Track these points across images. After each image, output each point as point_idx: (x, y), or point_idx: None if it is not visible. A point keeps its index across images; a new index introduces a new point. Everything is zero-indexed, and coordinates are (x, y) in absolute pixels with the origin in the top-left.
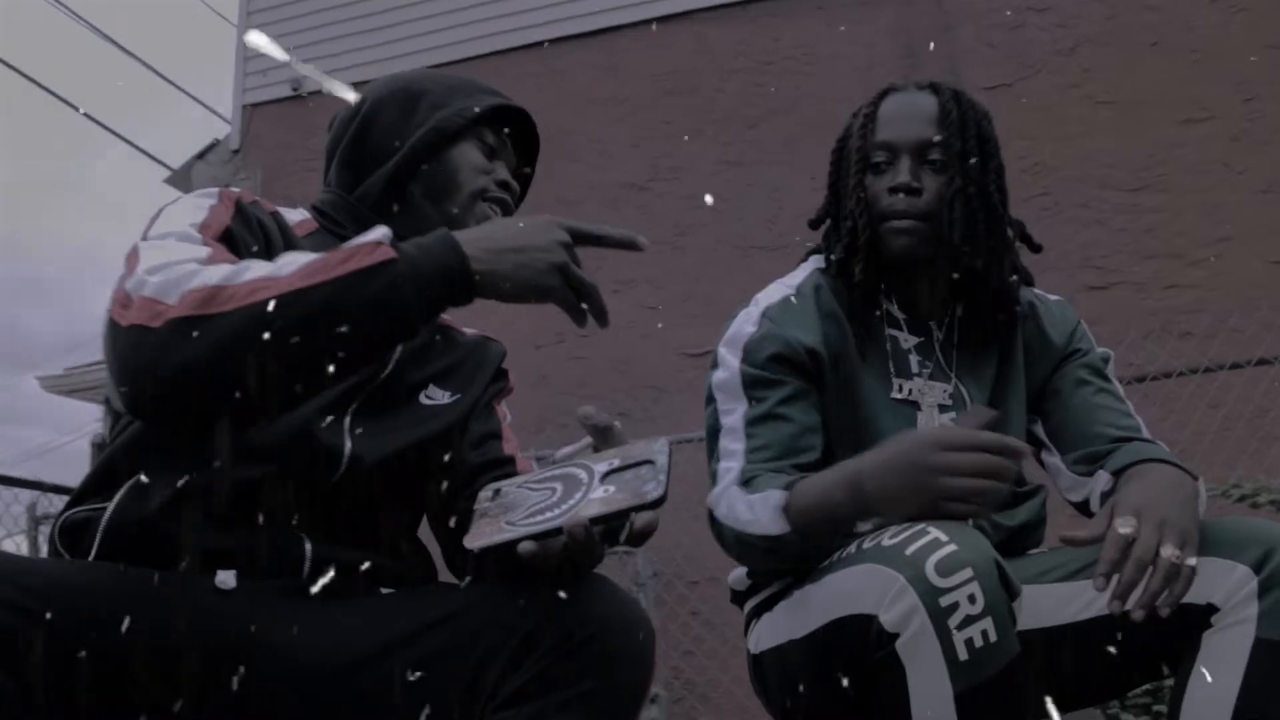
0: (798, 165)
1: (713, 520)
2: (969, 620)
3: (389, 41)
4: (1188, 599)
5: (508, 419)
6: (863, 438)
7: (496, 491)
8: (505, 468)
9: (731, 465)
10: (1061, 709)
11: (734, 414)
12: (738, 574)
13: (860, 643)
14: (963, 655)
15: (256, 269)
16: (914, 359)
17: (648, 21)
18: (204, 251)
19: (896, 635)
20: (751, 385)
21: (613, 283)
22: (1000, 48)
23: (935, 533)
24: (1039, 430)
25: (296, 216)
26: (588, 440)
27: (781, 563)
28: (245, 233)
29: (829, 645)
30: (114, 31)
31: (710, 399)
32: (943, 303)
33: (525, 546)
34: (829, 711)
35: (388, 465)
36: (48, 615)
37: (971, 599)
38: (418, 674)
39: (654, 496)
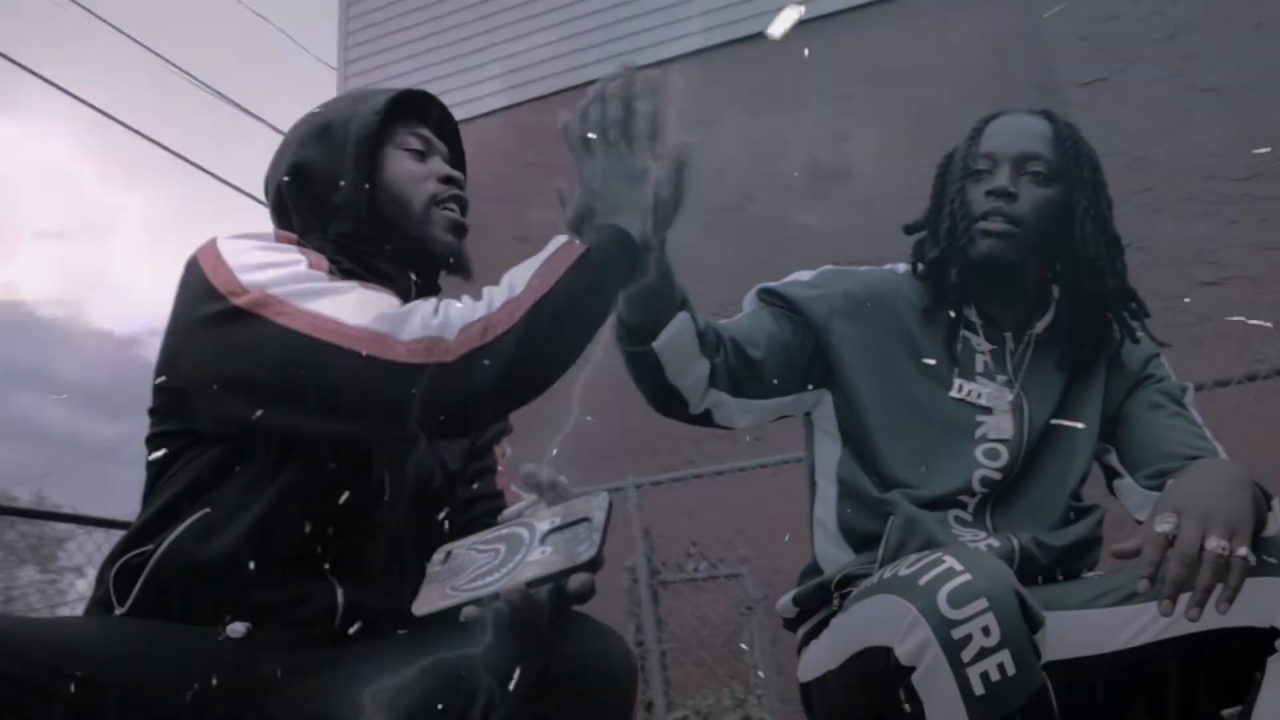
0: (890, 177)
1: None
2: (984, 653)
3: (475, 83)
4: (1249, 622)
5: (506, 455)
6: (921, 420)
7: (448, 554)
8: (495, 500)
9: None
10: None
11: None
12: (784, 602)
13: (882, 675)
14: (979, 690)
15: (492, 298)
16: (980, 360)
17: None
18: (372, 292)
19: (912, 669)
20: (764, 292)
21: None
22: (1094, 41)
23: (950, 562)
24: (1111, 459)
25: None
26: (534, 498)
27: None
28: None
29: (857, 677)
30: (207, 76)
31: None
32: (1026, 314)
33: (467, 612)
34: None
35: (413, 499)
36: (58, 683)
37: (986, 631)
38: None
39: (585, 558)
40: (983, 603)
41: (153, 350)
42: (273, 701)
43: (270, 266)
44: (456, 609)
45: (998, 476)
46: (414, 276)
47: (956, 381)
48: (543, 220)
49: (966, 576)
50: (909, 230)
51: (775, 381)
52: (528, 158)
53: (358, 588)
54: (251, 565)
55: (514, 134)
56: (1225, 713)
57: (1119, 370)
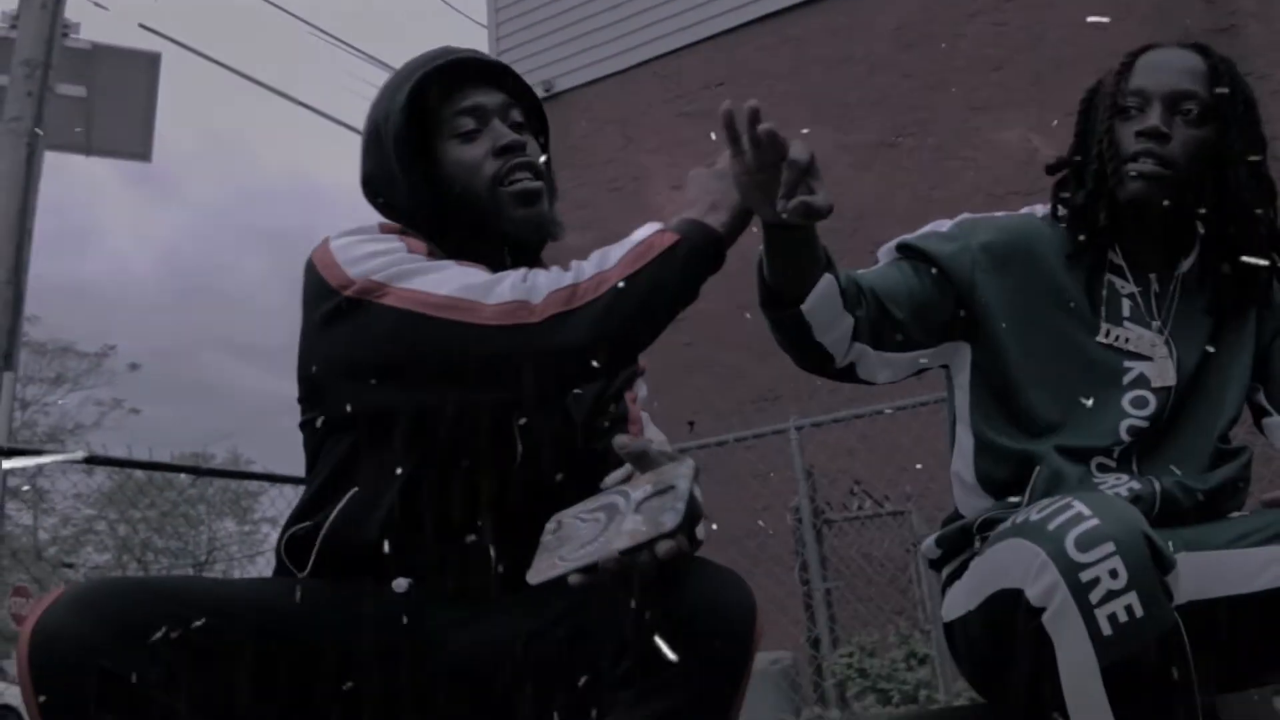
0: (1049, 103)
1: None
2: (1111, 595)
3: (626, 34)
4: None
5: (639, 397)
6: (1066, 367)
7: (559, 524)
8: None
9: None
10: (1250, 682)
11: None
12: (928, 543)
13: (1015, 616)
14: (1106, 630)
15: (581, 269)
16: (1126, 304)
17: None
18: (473, 267)
19: (1043, 609)
20: (903, 246)
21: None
22: None
23: (1079, 507)
24: (1260, 397)
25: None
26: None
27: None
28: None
29: (993, 617)
30: (359, 40)
31: None
32: (1169, 255)
33: (574, 579)
34: (1008, 681)
35: (549, 456)
36: (242, 632)
37: (1113, 574)
38: (551, 664)
39: (669, 527)
40: (1109, 546)
41: None
42: (435, 649)
43: (372, 256)
44: (565, 577)
45: (1145, 425)
46: (509, 259)
47: (1104, 326)
48: (665, 203)
49: (1094, 521)
50: (1050, 170)
51: (916, 335)
52: (681, 107)
53: (508, 543)
54: (406, 534)
55: (667, 83)
56: None
57: (1270, 309)
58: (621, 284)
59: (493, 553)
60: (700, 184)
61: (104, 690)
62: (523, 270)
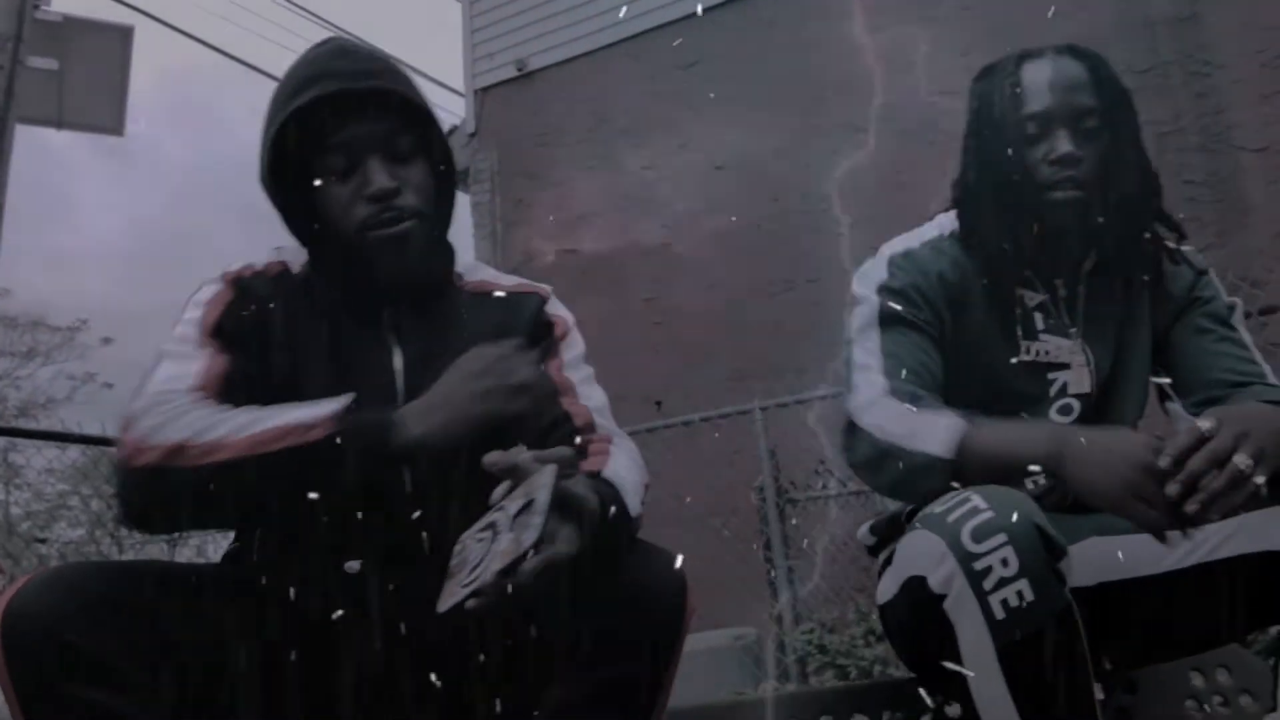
0: None
1: (850, 428)
2: (1003, 582)
3: (599, 14)
4: (1273, 546)
5: (567, 361)
6: (991, 394)
7: (462, 545)
8: (563, 426)
9: (874, 379)
10: (1156, 658)
11: (872, 341)
12: (863, 531)
13: (922, 602)
14: (999, 614)
15: (222, 426)
16: (1039, 317)
17: None
18: (194, 366)
19: (944, 596)
20: (887, 319)
21: (836, 225)
22: None
23: (975, 500)
24: (1168, 408)
25: (299, 256)
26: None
27: (903, 479)
28: (234, 322)
29: (908, 602)
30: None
31: (849, 338)
32: (1070, 259)
33: (469, 605)
34: (928, 659)
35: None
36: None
37: (1005, 562)
38: (494, 640)
39: (528, 544)
40: (1002, 537)
41: None
42: (386, 626)
43: None
44: (465, 603)
45: (1074, 420)
46: (387, 302)
47: (1023, 344)
48: (667, 149)
49: (989, 514)
50: (958, 200)
51: None
52: (653, 87)
53: (443, 538)
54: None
55: (639, 64)
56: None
57: (1164, 297)
58: (233, 460)
59: (426, 542)
60: (461, 371)
61: (68, 661)
62: (214, 410)
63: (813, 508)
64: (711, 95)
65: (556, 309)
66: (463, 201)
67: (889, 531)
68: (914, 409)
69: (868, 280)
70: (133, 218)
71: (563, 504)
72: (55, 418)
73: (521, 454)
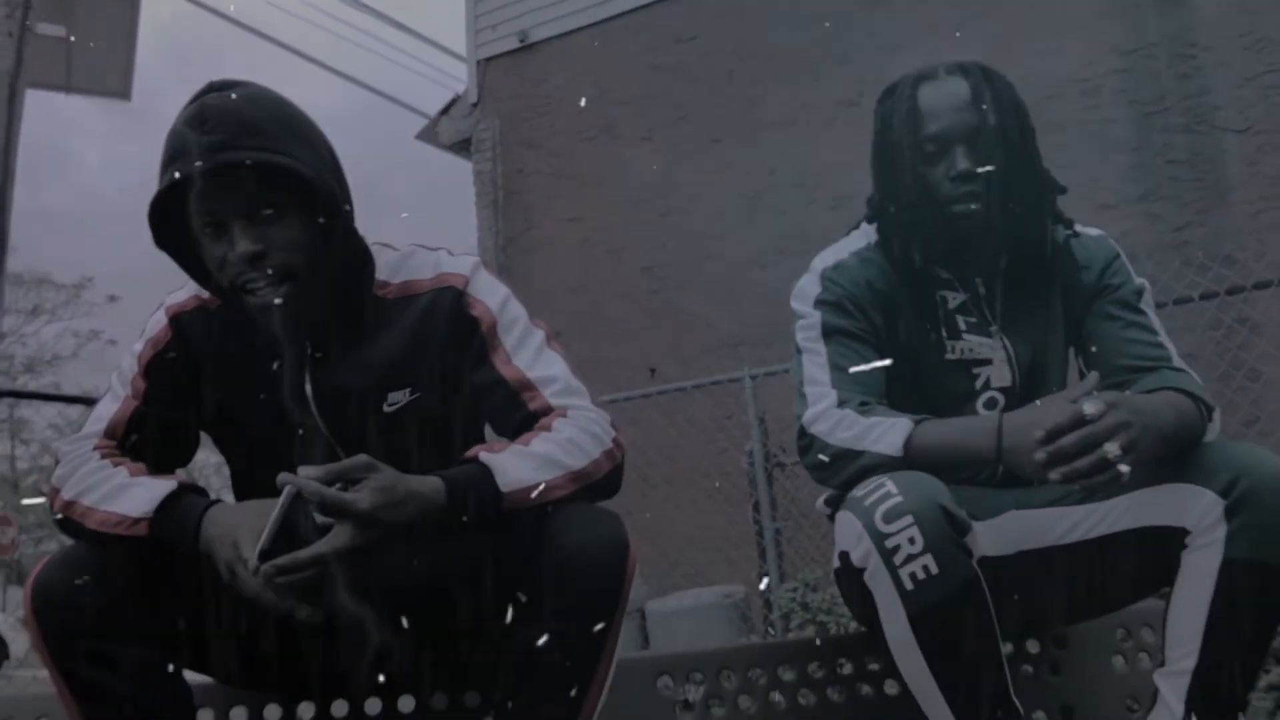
0: (1005, 66)
1: (803, 434)
2: (911, 558)
3: None
4: (1163, 522)
5: (509, 352)
6: (920, 392)
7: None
8: (527, 423)
9: (824, 391)
10: (1072, 617)
11: (819, 355)
12: (819, 504)
13: (849, 573)
14: (908, 586)
15: (104, 488)
16: (960, 319)
17: None
18: (112, 409)
19: (864, 569)
20: (830, 332)
21: (830, 198)
22: None
23: (889, 486)
24: (1080, 364)
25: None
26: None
27: (856, 475)
28: (170, 361)
29: (841, 573)
30: None
31: (798, 349)
32: (985, 261)
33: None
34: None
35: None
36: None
37: (912, 540)
38: (457, 590)
39: (252, 556)
40: (909, 519)
41: None
42: (362, 586)
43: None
44: None
45: (1000, 411)
46: (305, 341)
47: (948, 344)
48: (665, 121)
49: (899, 498)
50: (871, 216)
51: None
52: (652, 60)
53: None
54: None
55: (639, 37)
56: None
57: (1075, 286)
58: (92, 532)
59: None
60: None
61: (86, 621)
62: (111, 465)
63: (799, 472)
64: (709, 69)
65: (478, 293)
66: (464, 169)
67: (837, 506)
68: (861, 416)
69: (805, 297)
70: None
71: (330, 509)
72: (61, 373)
73: (286, 477)
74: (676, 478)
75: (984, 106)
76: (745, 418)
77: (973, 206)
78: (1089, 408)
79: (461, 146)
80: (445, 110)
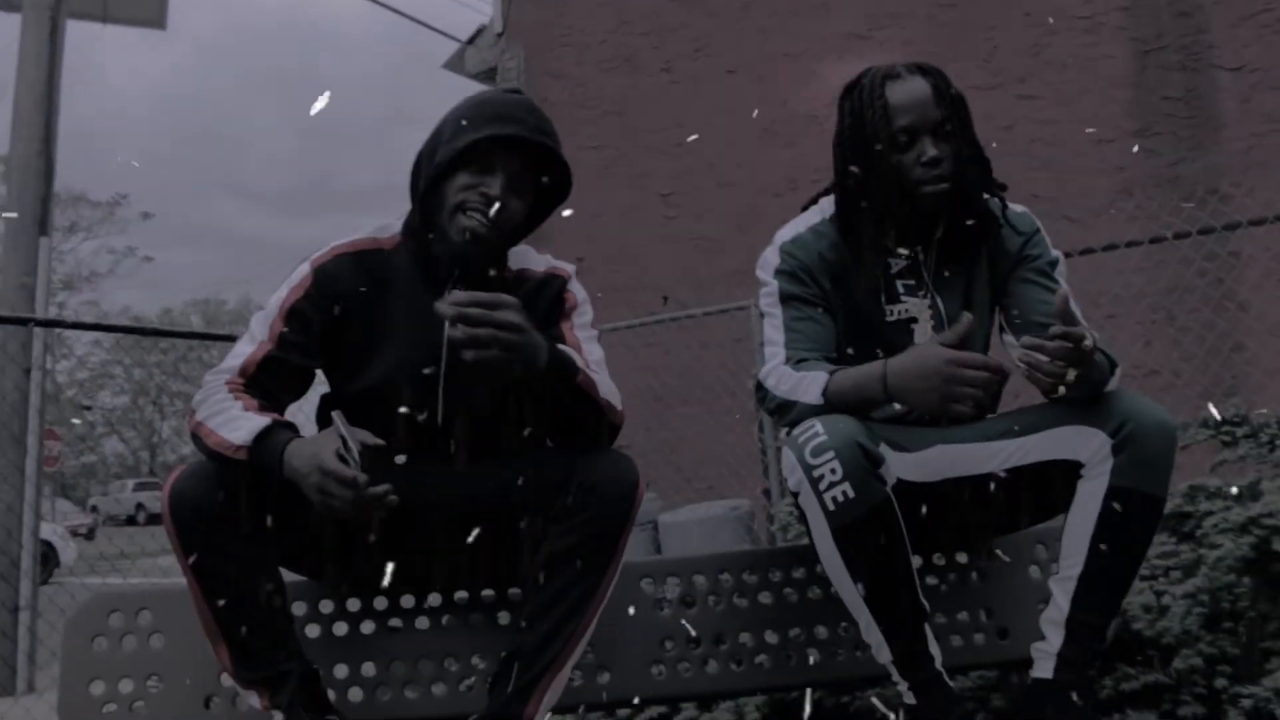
0: (1012, 5)
1: (759, 386)
2: (832, 485)
3: None
4: (1064, 456)
5: (578, 324)
6: (867, 347)
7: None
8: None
9: (777, 350)
10: (990, 536)
11: (776, 318)
12: (783, 434)
13: (793, 498)
14: (830, 507)
15: (217, 413)
16: (900, 283)
17: None
18: (248, 350)
19: (798, 494)
20: (786, 298)
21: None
22: None
23: (816, 426)
24: (1001, 319)
25: (392, 230)
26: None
27: (795, 420)
28: (309, 306)
29: (792, 497)
30: None
31: (761, 314)
32: (927, 230)
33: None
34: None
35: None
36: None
37: (833, 471)
38: (503, 510)
39: (352, 451)
40: (831, 454)
41: (330, 149)
42: (425, 501)
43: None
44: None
45: None
46: (456, 271)
47: (886, 308)
48: (684, 53)
49: (824, 437)
50: (834, 191)
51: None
52: None
53: (468, 439)
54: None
55: None
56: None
57: (1000, 254)
58: (209, 450)
59: (453, 446)
60: (313, 453)
61: (213, 523)
62: (234, 400)
63: None
64: (726, 1)
65: (574, 288)
66: None
67: None
68: (793, 371)
69: (767, 267)
70: (168, 92)
71: (486, 303)
72: (99, 289)
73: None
74: (690, 398)
75: (943, 103)
76: (752, 344)
77: (941, 187)
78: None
79: (487, 75)
80: (471, 40)
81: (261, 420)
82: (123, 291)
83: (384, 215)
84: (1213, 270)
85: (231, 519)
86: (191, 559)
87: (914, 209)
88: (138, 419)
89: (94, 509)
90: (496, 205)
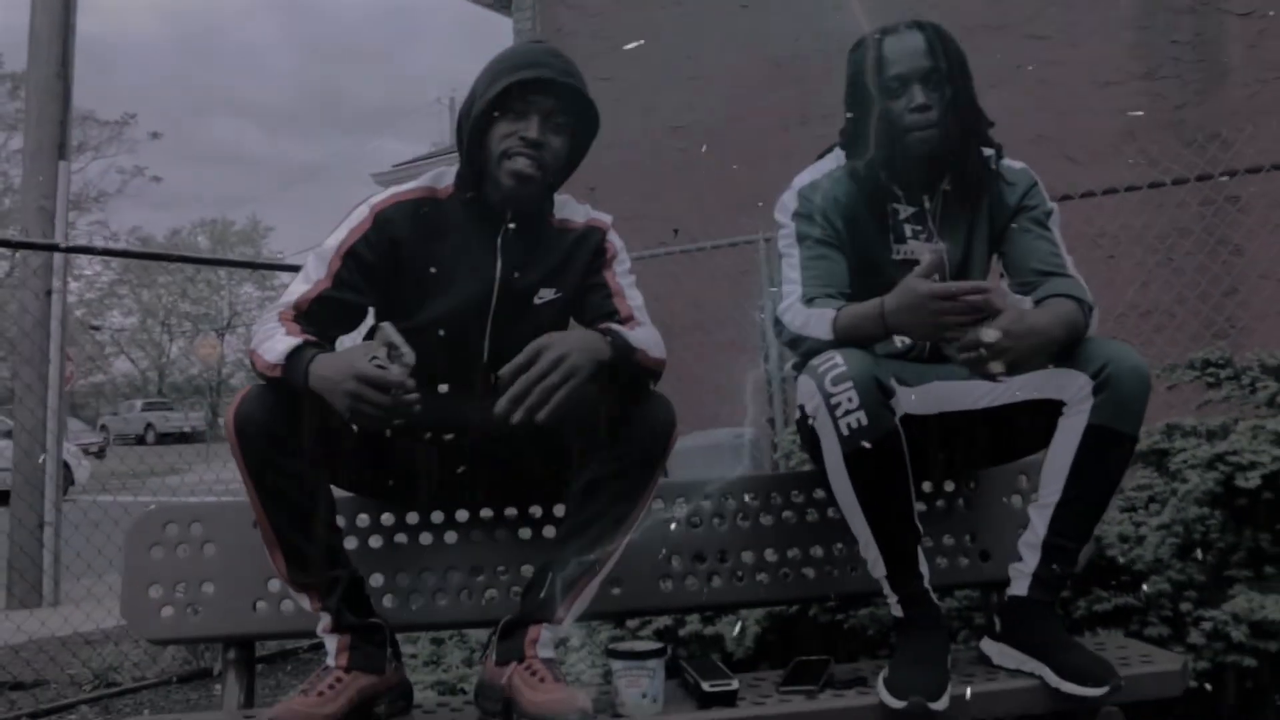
0: None
1: (777, 322)
2: (848, 412)
3: None
4: (1049, 395)
5: (619, 271)
6: (876, 284)
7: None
8: (612, 316)
9: (794, 289)
10: (980, 465)
11: (794, 257)
12: (787, 367)
13: (803, 421)
14: (844, 432)
15: (266, 339)
16: (908, 227)
17: None
18: (303, 289)
19: (814, 418)
20: (802, 238)
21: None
22: None
23: (836, 358)
24: (1000, 266)
25: (446, 180)
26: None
27: (808, 352)
28: (367, 247)
29: (800, 422)
30: None
31: (779, 254)
32: (933, 179)
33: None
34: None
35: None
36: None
37: (850, 399)
38: (548, 439)
39: (404, 362)
40: (849, 384)
41: (335, 67)
42: (465, 432)
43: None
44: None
45: None
46: (508, 216)
47: (894, 246)
48: (669, 18)
49: (843, 367)
50: (843, 135)
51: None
52: None
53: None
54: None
55: None
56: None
57: (999, 205)
58: (258, 371)
59: (494, 380)
60: (339, 368)
61: (276, 443)
62: (279, 325)
63: None
64: None
65: (612, 238)
66: (505, 25)
67: (801, 370)
68: (805, 308)
69: (785, 210)
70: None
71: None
72: (108, 209)
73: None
74: (698, 328)
75: (935, 54)
76: (760, 277)
77: (929, 132)
78: (987, 337)
79: (503, 4)
80: None
81: (294, 340)
82: (131, 210)
83: (392, 138)
84: (1209, 215)
85: (290, 439)
86: (255, 476)
87: (907, 154)
88: (146, 340)
89: (103, 428)
90: (537, 149)
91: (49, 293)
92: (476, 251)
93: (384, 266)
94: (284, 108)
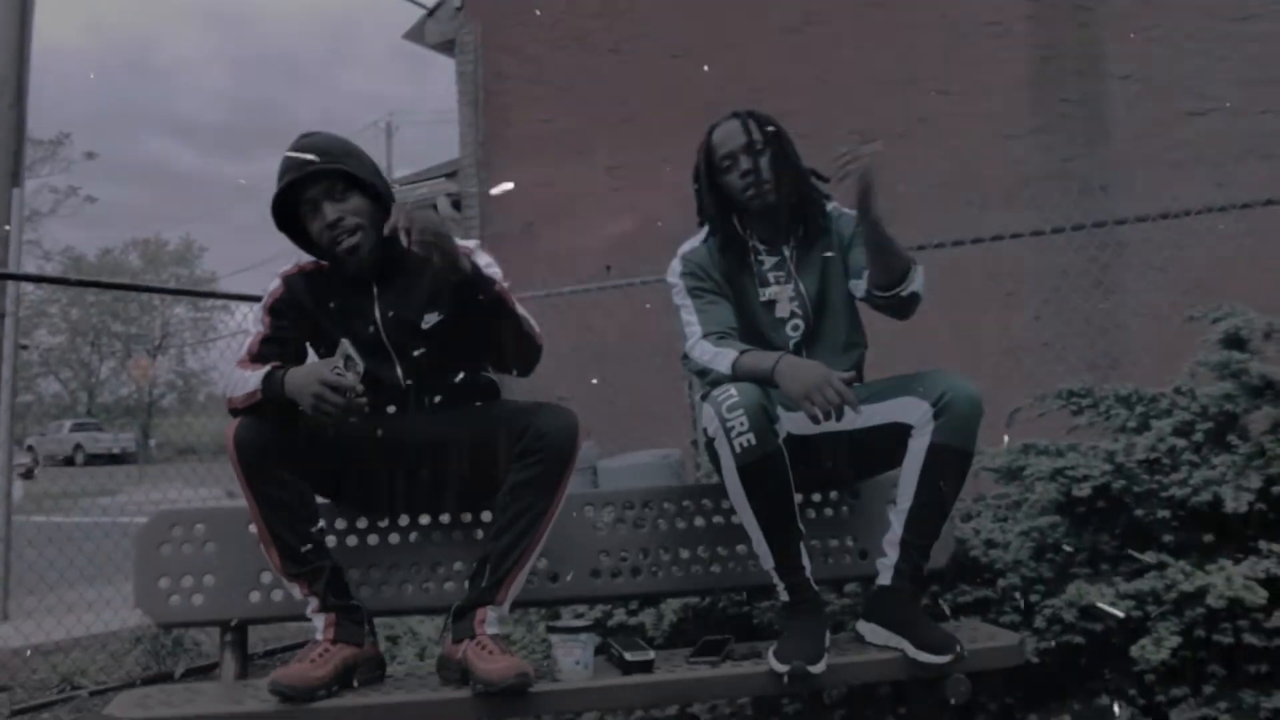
0: (930, 9)
1: (685, 356)
2: (740, 433)
3: None
4: (900, 420)
5: (480, 264)
6: (752, 325)
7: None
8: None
9: (695, 329)
10: (850, 480)
11: (689, 308)
12: (698, 396)
13: (708, 443)
14: (738, 450)
15: (236, 383)
16: (771, 275)
17: None
18: (249, 339)
19: (714, 439)
20: (692, 291)
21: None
22: None
23: (731, 390)
24: (851, 285)
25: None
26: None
27: (713, 382)
28: (284, 305)
29: (705, 443)
30: None
31: (676, 307)
32: (787, 233)
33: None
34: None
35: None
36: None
37: (742, 423)
38: (476, 449)
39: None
40: (741, 411)
41: (270, 85)
42: (408, 442)
43: None
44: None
45: (802, 332)
46: (367, 274)
47: (759, 290)
48: (631, 35)
49: (736, 397)
50: (700, 214)
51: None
52: None
53: (424, 386)
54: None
55: None
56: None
57: (841, 238)
58: (234, 410)
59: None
60: (306, 378)
61: (270, 455)
62: (243, 369)
63: None
64: None
65: (476, 256)
66: (448, 68)
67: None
68: (712, 346)
69: (674, 272)
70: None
71: (427, 225)
72: (41, 229)
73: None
74: (629, 357)
75: (749, 131)
76: None
77: (760, 189)
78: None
79: (446, 47)
80: (431, 12)
81: (263, 369)
82: (64, 231)
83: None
84: (1100, 257)
85: (276, 453)
86: (252, 486)
87: (749, 211)
88: (74, 359)
89: (30, 448)
90: (339, 222)
91: (1, 316)
92: (358, 301)
93: (301, 317)
94: (218, 125)
